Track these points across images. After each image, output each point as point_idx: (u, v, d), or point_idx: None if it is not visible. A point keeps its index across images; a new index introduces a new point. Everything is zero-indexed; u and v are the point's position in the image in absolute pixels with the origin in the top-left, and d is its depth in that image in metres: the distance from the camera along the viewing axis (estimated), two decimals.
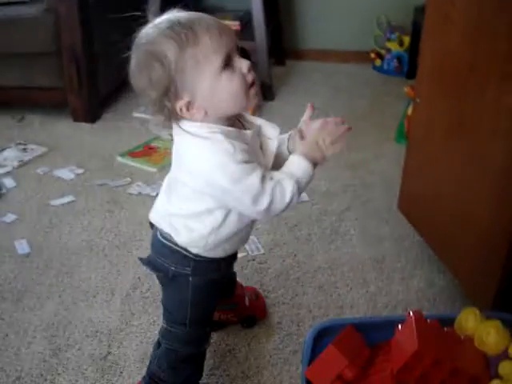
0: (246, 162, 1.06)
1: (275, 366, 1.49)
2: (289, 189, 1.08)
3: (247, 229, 1.23)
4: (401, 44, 3.49)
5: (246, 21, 3.25)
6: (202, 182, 1.08)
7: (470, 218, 1.52)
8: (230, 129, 1.10)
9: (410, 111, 2.54)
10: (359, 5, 3.56)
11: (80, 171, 2.43)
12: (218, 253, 1.21)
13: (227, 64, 1.04)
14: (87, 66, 2.77)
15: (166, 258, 1.22)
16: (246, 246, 1.90)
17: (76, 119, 2.88)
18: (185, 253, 1.19)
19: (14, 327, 1.64)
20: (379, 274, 1.82)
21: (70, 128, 2.84)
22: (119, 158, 2.52)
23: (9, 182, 2.36)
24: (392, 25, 3.52)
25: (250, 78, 1.07)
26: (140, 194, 2.25)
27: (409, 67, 3.44)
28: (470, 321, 1.16)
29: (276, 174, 1.10)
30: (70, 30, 2.69)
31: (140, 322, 1.65)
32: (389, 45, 3.52)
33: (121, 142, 2.69)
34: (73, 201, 2.23)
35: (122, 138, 2.72)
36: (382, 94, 3.25)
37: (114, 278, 1.82)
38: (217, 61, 1.03)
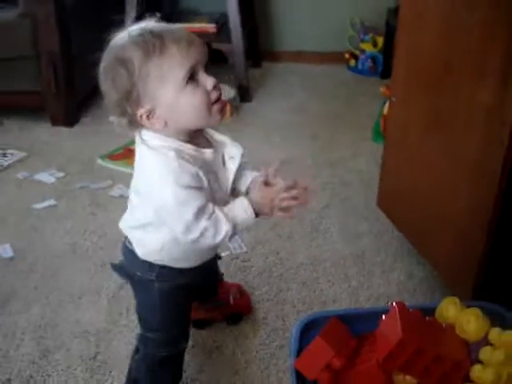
0: (190, 187, 1.08)
1: (262, 361, 1.53)
2: (222, 233, 1.11)
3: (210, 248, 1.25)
4: (375, 45, 3.54)
5: (221, 23, 3.28)
6: (146, 192, 1.14)
7: (447, 212, 1.57)
8: (188, 146, 1.12)
9: (385, 110, 2.60)
10: (333, 6, 3.61)
11: (61, 175, 2.44)
12: (181, 264, 1.24)
13: (191, 77, 1.06)
14: (65, 70, 2.77)
15: (132, 264, 1.27)
16: (229, 245, 1.93)
17: (54, 123, 2.88)
18: (148, 260, 1.23)
19: (1, 330, 1.65)
20: (360, 268, 1.87)
21: (48, 132, 2.84)
22: (99, 161, 2.54)
23: None
24: (365, 26, 3.57)
25: (214, 95, 1.09)
26: (122, 196, 2.26)
27: (383, 67, 3.50)
28: (450, 310, 1.21)
29: (218, 212, 1.11)
30: (48, 34, 2.69)
31: (127, 321, 1.67)
32: (363, 46, 3.57)
33: (100, 145, 2.69)
34: (55, 204, 2.24)
35: (101, 141, 2.73)
36: (357, 94, 3.30)
37: (100, 279, 1.84)
38: (181, 72, 1.05)
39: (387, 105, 2.57)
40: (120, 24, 3.00)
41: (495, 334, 1.12)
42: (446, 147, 1.54)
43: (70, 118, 2.89)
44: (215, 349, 1.57)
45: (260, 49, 3.70)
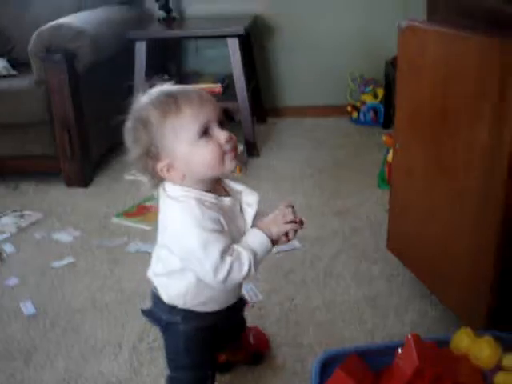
0: (213, 230, 1.17)
1: None
2: (246, 262, 1.19)
3: (234, 289, 1.34)
4: (375, 96, 3.66)
5: (226, 83, 3.42)
6: (172, 242, 1.22)
7: (455, 251, 1.63)
8: (208, 194, 1.21)
9: (389, 158, 2.68)
10: (332, 62, 3.75)
11: (77, 233, 2.51)
12: (205, 309, 1.32)
13: (205, 133, 1.17)
14: (79, 133, 2.88)
15: (159, 309, 1.36)
16: (245, 293, 1.97)
17: (69, 185, 2.98)
18: (174, 304, 1.32)
19: None
20: (374, 310, 1.91)
21: (63, 193, 2.93)
22: (115, 219, 2.61)
23: (8, 248, 2.42)
24: (365, 78, 3.70)
25: (227, 146, 1.18)
26: (138, 251, 2.33)
27: (384, 117, 3.61)
28: (464, 340, 1.25)
29: (236, 247, 1.20)
30: (61, 100, 2.81)
31: (149, 371, 1.70)
32: (364, 97, 3.69)
33: (115, 203, 2.78)
34: (73, 262, 2.30)
35: (116, 200, 2.82)
36: (361, 143, 3.40)
37: (120, 331, 1.88)
38: (194, 129, 1.15)
39: (391, 153, 2.65)
40: (130, 89, 3.13)
41: (508, 359, 1.16)
42: (449, 188, 1.61)
43: (84, 179, 2.98)
44: None
45: (264, 106, 3.82)
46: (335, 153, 3.28)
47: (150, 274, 1.37)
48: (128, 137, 1.22)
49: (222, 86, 3.36)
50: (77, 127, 2.87)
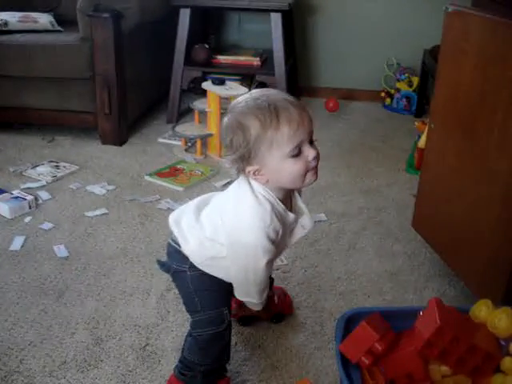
0: (271, 240, 1.29)
1: (301, 360, 1.63)
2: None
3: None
4: (410, 84, 3.69)
5: (264, 58, 3.47)
6: (230, 225, 1.31)
7: (480, 231, 1.68)
8: (281, 205, 1.31)
9: (420, 144, 2.73)
10: (370, 47, 3.79)
11: (111, 188, 2.59)
12: (214, 273, 1.43)
13: (295, 153, 1.24)
14: (118, 92, 2.95)
15: (172, 258, 1.46)
16: None
17: (104, 142, 3.06)
18: (187, 256, 1.42)
19: (57, 319, 1.78)
20: (394, 285, 1.97)
21: (98, 150, 3.01)
22: (147, 177, 2.69)
23: (44, 195, 2.51)
24: (402, 66, 3.73)
25: (312, 164, 1.26)
26: (169, 209, 2.40)
27: (417, 106, 3.64)
28: (482, 310, 1.31)
29: None
30: (105, 58, 2.88)
31: (175, 318, 1.78)
32: (398, 85, 3.73)
33: (147, 163, 2.86)
34: (106, 213, 2.38)
35: (148, 160, 2.89)
36: (392, 129, 3.44)
37: (149, 280, 1.96)
38: (288, 148, 1.22)
39: (422, 138, 2.70)
40: (170, 51, 3.18)
41: None
42: (480, 169, 1.65)
43: (119, 137, 3.06)
44: (257, 347, 1.68)
45: (299, 84, 3.87)
46: (365, 136, 3.33)
47: (172, 221, 1.45)
48: (225, 135, 1.28)
49: (261, 60, 3.41)
50: (117, 86, 2.94)
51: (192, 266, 1.41)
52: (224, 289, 1.44)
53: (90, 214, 2.37)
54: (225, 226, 1.33)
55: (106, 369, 1.60)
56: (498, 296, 1.57)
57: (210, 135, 2.92)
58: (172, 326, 1.75)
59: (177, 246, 1.43)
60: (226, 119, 1.29)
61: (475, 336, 1.22)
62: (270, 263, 1.32)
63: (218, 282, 1.42)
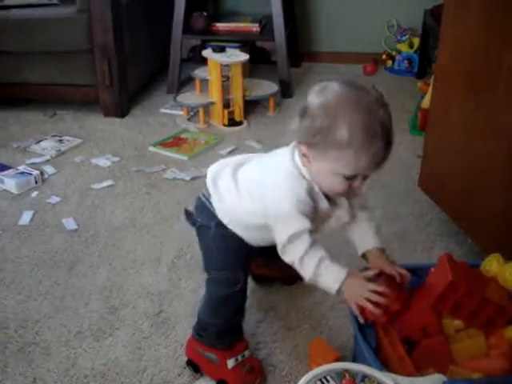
0: (303, 213, 1.24)
1: (315, 320, 1.65)
2: (306, 265, 1.26)
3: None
4: (411, 46, 3.66)
5: (264, 23, 3.44)
6: (269, 193, 1.29)
7: (488, 187, 1.69)
8: (316, 188, 1.27)
9: (423, 104, 2.72)
10: (370, 9, 3.74)
11: (116, 159, 2.59)
12: (242, 236, 1.41)
13: (347, 177, 1.20)
14: (118, 64, 2.93)
15: (198, 213, 1.46)
16: None
17: (106, 114, 3.05)
18: (214, 212, 1.40)
19: (70, 290, 1.80)
20: (402, 245, 1.98)
21: (101, 122, 3.00)
22: (151, 148, 2.69)
23: (49, 169, 2.51)
24: (402, 27, 3.69)
25: (350, 190, 1.24)
26: (175, 178, 2.41)
27: (418, 67, 3.62)
28: (493, 265, 1.32)
29: (320, 252, 1.27)
30: (103, 29, 2.85)
31: (187, 285, 1.80)
32: (399, 46, 3.69)
33: (150, 134, 2.85)
34: (112, 185, 2.39)
35: (152, 131, 2.89)
36: (394, 91, 3.40)
37: (159, 249, 1.98)
38: (344, 171, 1.18)
39: (425, 99, 2.70)
40: (168, 21, 3.12)
41: None
42: (487, 125, 1.65)
43: (121, 109, 3.04)
44: (270, 308, 1.70)
45: (299, 49, 3.84)
46: None
47: (211, 174, 1.44)
48: (317, 108, 1.18)
49: (260, 26, 3.38)
50: (117, 57, 2.92)
51: (218, 225, 1.40)
52: (245, 251, 1.43)
53: (96, 186, 2.38)
54: (262, 193, 1.30)
55: (121, 336, 1.62)
56: (508, 251, 1.58)
57: (212, 103, 2.91)
58: (184, 293, 1.77)
59: (207, 203, 1.42)
60: (324, 96, 1.19)
61: (487, 290, 1.23)
62: (304, 234, 1.25)
63: (241, 243, 1.41)
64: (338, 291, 1.24)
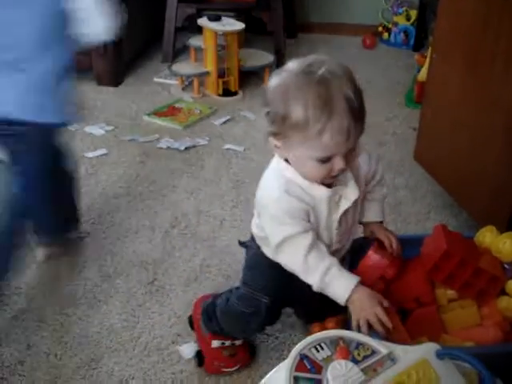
0: (287, 213, 1.14)
1: None
2: (319, 266, 1.14)
3: None
4: (408, 18, 3.63)
5: None
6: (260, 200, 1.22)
7: (484, 159, 1.69)
8: (302, 182, 1.15)
9: (419, 77, 2.71)
10: None
11: (109, 128, 2.58)
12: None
13: (324, 160, 1.09)
14: None
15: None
16: None
17: (100, 83, 3.01)
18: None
19: (63, 259, 1.79)
20: (397, 216, 1.99)
21: (94, 91, 2.97)
22: (146, 117, 2.67)
23: None
24: None
25: (334, 173, 1.11)
26: (169, 148, 2.40)
27: (415, 40, 3.59)
28: (487, 236, 1.32)
29: (327, 260, 1.15)
30: None
31: (181, 253, 1.80)
32: (396, 19, 3.67)
33: (145, 103, 2.83)
34: (106, 153, 2.37)
35: (146, 100, 2.87)
36: (390, 64, 3.40)
37: (153, 218, 1.98)
38: (317, 154, 1.08)
39: (421, 72, 2.68)
40: None
41: None
42: (484, 97, 1.65)
43: (115, 78, 3.02)
44: None
45: (295, 20, 3.80)
46: (363, 70, 3.26)
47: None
48: (268, 98, 1.12)
49: None
50: None
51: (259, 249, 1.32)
52: (277, 280, 1.28)
53: (90, 154, 2.36)
54: (257, 204, 1.24)
55: (115, 304, 1.63)
56: (502, 224, 1.59)
57: (207, 73, 2.88)
58: (178, 262, 1.77)
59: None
60: (277, 79, 1.11)
61: (480, 260, 1.24)
62: (297, 240, 1.16)
63: (277, 271, 1.24)
64: (347, 300, 1.14)
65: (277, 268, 1.22)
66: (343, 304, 1.14)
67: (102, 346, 1.50)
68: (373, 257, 1.24)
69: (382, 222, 1.35)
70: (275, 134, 1.12)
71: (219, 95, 2.88)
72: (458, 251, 1.20)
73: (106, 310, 1.61)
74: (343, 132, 1.05)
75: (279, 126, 1.10)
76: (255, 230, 1.31)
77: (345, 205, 1.19)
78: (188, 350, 1.48)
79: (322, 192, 1.16)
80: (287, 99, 1.07)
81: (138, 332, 1.54)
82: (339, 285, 1.14)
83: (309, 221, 1.17)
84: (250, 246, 1.36)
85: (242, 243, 1.43)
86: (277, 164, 1.20)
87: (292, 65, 1.11)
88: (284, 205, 1.14)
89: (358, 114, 1.07)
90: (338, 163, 1.09)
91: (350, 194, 1.19)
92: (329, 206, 1.18)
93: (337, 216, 1.20)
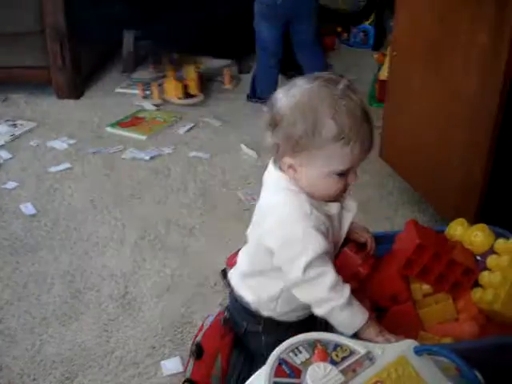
0: (319, 230, 1.08)
1: None
2: (341, 291, 1.08)
3: None
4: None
5: None
6: (271, 230, 1.11)
7: (449, 155, 1.71)
8: (315, 201, 1.11)
9: (380, 75, 2.73)
10: None
11: (72, 142, 2.54)
12: (289, 318, 1.21)
13: (341, 174, 1.07)
14: (70, 44, 2.86)
15: (240, 316, 1.25)
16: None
17: (60, 96, 2.97)
18: (255, 312, 1.21)
19: (32, 277, 1.75)
20: (365, 215, 1.96)
21: (55, 104, 2.92)
22: (108, 129, 2.64)
23: (4, 154, 2.44)
24: (358, 0, 3.69)
25: (347, 187, 1.11)
26: (134, 158, 2.37)
27: (374, 40, 3.62)
28: (458, 229, 1.32)
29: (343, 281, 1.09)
30: (54, 9, 2.78)
31: (152, 265, 1.78)
32: None
33: (106, 115, 2.80)
34: (70, 167, 2.34)
35: (107, 112, 2.83)
36: (350, 64, 3.42)
37: (121, 230, 1.94)
38: (338, 168, 1.05)
39: (382, 70, 2.70)
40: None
41: (500, 243, 1.24)
42: (446, 89, 1.67)
43: (75, 91, 2.98)
44: None
45: None
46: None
47: (235, 275, 1.25)
48: (291, 111, 1.06)
49: None
50: (68, 38, 2.84)
51: (265, 328, 1.21)
52: None
53: (53, 169, 2.32)
54: (266, 237, 1.13)
55: (87, 320, 1.59)
56: (470, 217, 1.60)
57: (164, 76, 2.86)
58: (150, 273, 1.75)
59: (241, 302, 1.23)
60: (291, 97, 1.07)
61: (453, 252, 1.24)
62: (326, 255, 1.09)
63: None
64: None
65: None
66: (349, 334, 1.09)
67: (75, 363, 1.47)
68: (346, 255, 1.24)
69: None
70: (295, 153, 1.07)
71: (179, 98, 2.85)
72: (430, 244, 1.20)
73: (77, 327, 1.57)
74: (369, 142, 1.07)
75: (305, 142, 1.05)
76: (272, 289, 1.17)
77: (349, 217, 1.19)
78: (170, 364, 1.45)
79: (334, 208, 1.14)
80: (317, 113, 1.04)
81: (111, 347, 1.51)
82: (351, 318, 1.10)
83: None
84: (256, 334, 1.23)
85: (225, 319, 1.29)
86: (286, 185, 1.12)
87: (304, 82, 1.07)
88: (314, 222, 1.09)
89: (372, 122, 1.08)
90: (353, 176, 1.10)
91: (350, 205, 1.19)
92: (339, 221, 1.17)
93: (344, 230, 1.19)
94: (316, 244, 1.07)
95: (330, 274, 1.08)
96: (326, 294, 1.07)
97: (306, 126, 1.04)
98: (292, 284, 1.10)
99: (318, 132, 1.04)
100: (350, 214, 1.19)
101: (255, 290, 1.20)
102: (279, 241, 1.10)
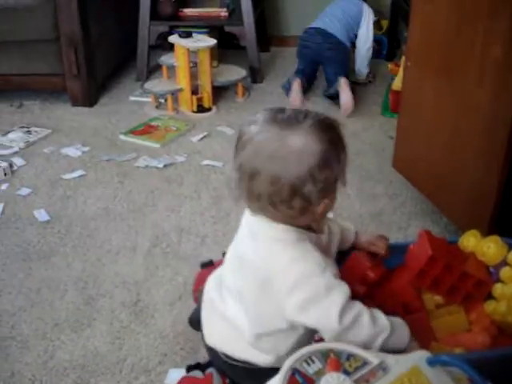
0: (335, 274, 1.08)
1: None
2: (380, 322, 1.08)
3: None
4: (380, 28, 3.66)
5: (232, 8, 3.40)
6: (287, 290, 1.06)
7: (462, 166, 1.70)
8: (311, 234, 1.11)
9: (394, 86, 2.73)
10: None
11: (86, 149, 2.55)
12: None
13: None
14: (85, 52, 2.88)
15: (239, 378, 1.23)
16: None
17: (74, 104, 2.99)
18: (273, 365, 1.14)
19: (45, 283, 1.76)
20: (378, 225, 1.99)
21: (69, 112, 2.95)
22: (122, 136, 2.65)
23: (18, 161, 2.46)
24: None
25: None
26: (147, 166, 2.38)
27: (388, 50, 3.62)
28: (471, 241, 1.33)
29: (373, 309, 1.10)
30: (69, 17, 2.80)
31: (164, 273, 1.78)
32: None
33: (120, 123, 2.81)
34: (83, 175, 2.35)
35: (121, 120, 2.85)
36: None
37: (134, 238, 1.95)
38: (341, 184, 1.10)
39: (395, 80, 2.70)
40: (135, 7, 3.06)
41: None
42: (460, 102, 1.66)
43: (89, 98, 2.99)
44: None
45: (268, 34, 3.82)
46: None
47: (248, 340, 1.16)
48: (306, 172, 1.02)
49: (228, 11, 3.34)
50: (83, 46, 2.86)
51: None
52: None
53: (67, 176, 2.33)
54: (287, 299, 1.07)
55: (99, 327, 1.60)
56: (483, 229, 1.60)
57: (180, 90, 2.88)
58: (162, 281, 1.75)
59: (245, 365, 1.18)
60: (267, 143, 1.08)
61: (465, 264, 1.24)
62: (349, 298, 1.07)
63: None
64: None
65: None
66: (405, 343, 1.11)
67: (87, 369, 1.47)
68: (356, 258, 1.25)
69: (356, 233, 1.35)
70: (326, 191, 1.06)
71: (193, 112, 2.87)
72: (443, 256, 1.20)
73: (90, 334, 1.58)
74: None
75: (334, 171, 1.05)
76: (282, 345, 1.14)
77: (335, 238, 1.24)
78: (174, 375, 1.43)
79: (324, 237, 1.17)
80: (332, 136, 1.05)
81: (123, 354, 1.51)
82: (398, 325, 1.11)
83: None
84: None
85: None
86: (275, 235, 1.08)
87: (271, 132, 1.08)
88: (331, 267, 1.09)
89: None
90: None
91: (333, 227, 1.24)
92: (327, 245, 1.20)
93: (333, 252, 1.23)
94: (338, 288, 1.07)
95: (363, 311, 1.07)
96: (372, 330, 1.07)
97: (328, 174, 1.05)
98: (335, 337, 1.06)
99: (343, 153, 1.07)
100: (335, 238, 1.25)
101: (272, 349, 1.15)
102: (303, 303, 1.06)
